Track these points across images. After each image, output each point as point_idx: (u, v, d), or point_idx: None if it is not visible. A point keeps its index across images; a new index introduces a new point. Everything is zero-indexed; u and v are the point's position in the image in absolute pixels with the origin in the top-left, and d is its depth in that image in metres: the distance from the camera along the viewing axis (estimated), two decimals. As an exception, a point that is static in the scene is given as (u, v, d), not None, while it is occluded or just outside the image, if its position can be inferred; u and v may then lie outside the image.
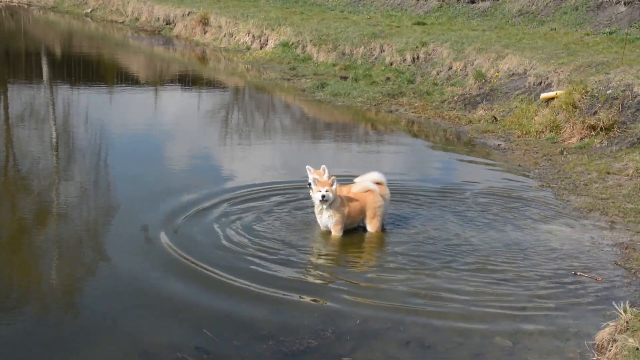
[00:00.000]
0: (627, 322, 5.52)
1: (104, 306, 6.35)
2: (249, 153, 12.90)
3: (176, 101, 18.71)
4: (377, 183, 8.51)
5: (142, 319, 6.14)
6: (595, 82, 13.56)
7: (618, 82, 13.27)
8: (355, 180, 8.70)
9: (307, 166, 8.54)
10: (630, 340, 5.07)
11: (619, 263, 7.61)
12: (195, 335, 5.80)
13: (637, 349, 4.91)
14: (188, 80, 21.79)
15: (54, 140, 12.90)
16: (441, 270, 7.34)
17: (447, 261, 7.59)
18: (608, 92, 13.21)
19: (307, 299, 6.61)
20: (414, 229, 8.62)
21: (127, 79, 22.08)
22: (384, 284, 7.03)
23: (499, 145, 13.27)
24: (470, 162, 12.39)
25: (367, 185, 8.46)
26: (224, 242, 7.87)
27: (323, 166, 8.42)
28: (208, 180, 10.44)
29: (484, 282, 7.10)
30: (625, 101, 12.83)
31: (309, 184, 8.27)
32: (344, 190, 8.50)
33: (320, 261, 7.64)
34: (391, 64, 19.75)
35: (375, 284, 7.06)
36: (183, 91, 20.46)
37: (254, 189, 9.90)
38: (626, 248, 8.01)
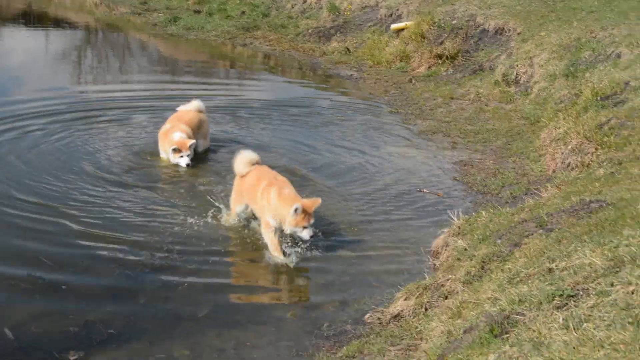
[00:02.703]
0: (458, 227, 5.84)
1: None
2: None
3: (21, 40, 17.48)
4: (199, 111, 8.65)
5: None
6: (442, 12, 13.99)
7: (462, 13, 13.76)
8: (178, 109, 8.69)
9: (171, 148, 7.98)
10: (460, 242, 5.36)
11: (457, 179, 8.01)
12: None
13: (466, 249, 5.19)
14: (32, 18, 20.41)
15: None
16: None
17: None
18: (453, 22, 13.66)
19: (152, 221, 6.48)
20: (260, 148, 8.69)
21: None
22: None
23: (351, 75, 13.47)
24: (323, 89, 12.54)
25: (197, 105, 8.63)
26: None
27: (193, 142, 8.06)
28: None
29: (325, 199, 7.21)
30: (469, 31, 13.33)
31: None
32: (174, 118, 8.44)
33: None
34: (246, -2, 19.45)
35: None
36: (28, 30, 19.09)
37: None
38: (465, 165, 8.44)
